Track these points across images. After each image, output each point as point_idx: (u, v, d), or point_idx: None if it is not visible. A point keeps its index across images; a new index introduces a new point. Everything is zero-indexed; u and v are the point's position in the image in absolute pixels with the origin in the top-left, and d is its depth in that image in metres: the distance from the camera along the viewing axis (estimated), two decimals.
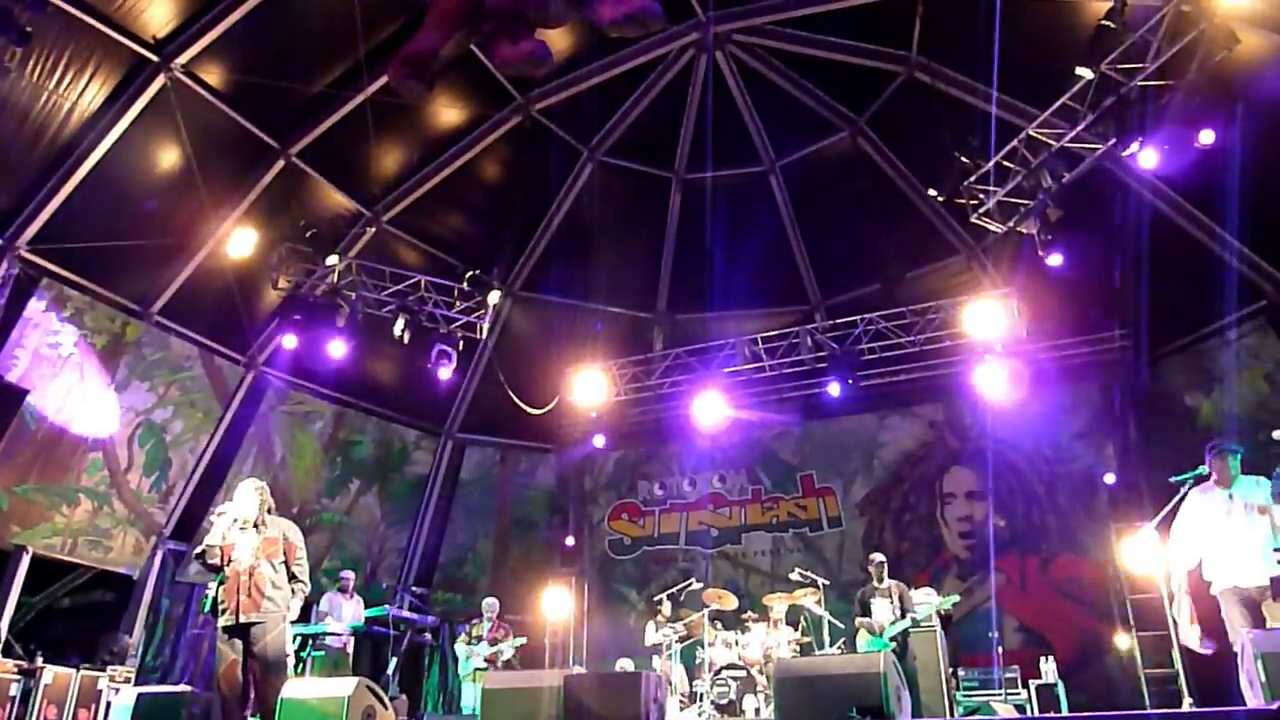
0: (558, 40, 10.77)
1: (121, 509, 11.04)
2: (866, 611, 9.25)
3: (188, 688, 7.62)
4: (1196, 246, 10.38)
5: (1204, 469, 6.10)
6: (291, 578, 6.29)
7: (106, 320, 10.62)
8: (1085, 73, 8.42)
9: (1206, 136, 7.67)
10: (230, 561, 6.11)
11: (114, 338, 10.71)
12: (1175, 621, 6.04)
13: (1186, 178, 8.61)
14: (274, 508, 6.50)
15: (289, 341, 10.96)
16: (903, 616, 9.02)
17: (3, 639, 9.37)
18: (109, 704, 9.21)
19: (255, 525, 6.25)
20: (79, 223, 9.75)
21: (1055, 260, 9.37)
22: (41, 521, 10.27)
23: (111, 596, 12.27)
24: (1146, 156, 8.21)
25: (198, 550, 6.29)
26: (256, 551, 6.13)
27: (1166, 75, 7.94)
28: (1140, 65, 8.04)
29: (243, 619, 5.96)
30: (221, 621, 6.04)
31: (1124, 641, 10.72)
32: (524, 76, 11.63)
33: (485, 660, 10.40)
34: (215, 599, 6.13)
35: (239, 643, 5.98)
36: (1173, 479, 6.18)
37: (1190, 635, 5.94)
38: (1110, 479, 10.83)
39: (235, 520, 6.19)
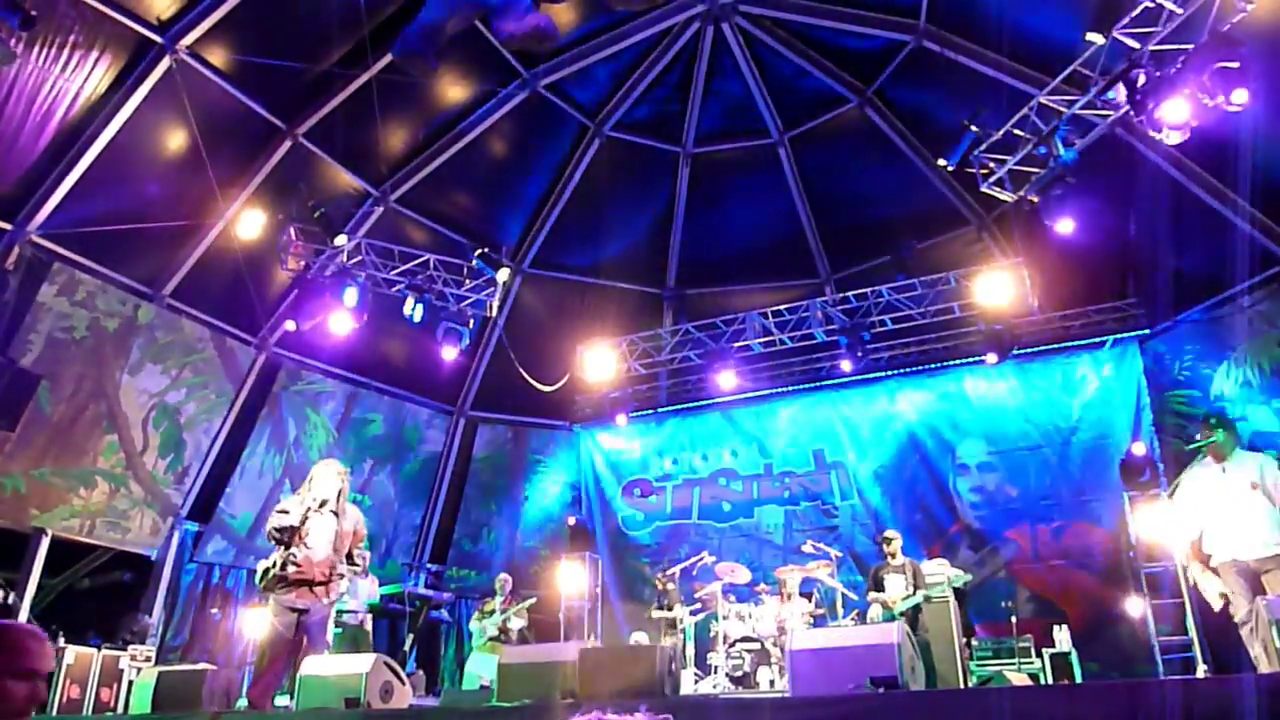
0: (562, 14, 10.68)
1: (138, 490, 11.13)
2: (880, 587, 9.29)
3: (209, 666, 7.71)
4: (1209, 212, 10.27)
5: (1218, 435, 6.08)
6: (349, 560, 6.45)
7: (118, 304, 10.66)
8: (1096, 38, 8.31)
9: (1239, 96, 7.48)
10: (303, 542, 6.12)
11: (126, 321, 10.75)
12: (1198, 588, 6.03)
13: (1199, 142, 8.50)
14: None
15: (291, 325, 10.97)
16: (914, 593, 9.06)
17: (25, 620, 9.48)
18: (130, 683, 9.33)
19: (335, 512, 6.26)
20: (88, 207, 9.77)
21: (1066, 229, 9.29)
22: (60, 504, 10.36)
23: (130, 577, 12.40)
24: (1168, 132, 8.06)
25: (274, 526, 6.24)
26: (333, 542, 6.17)
27: (1180, 39, 7.83)
28: (1153, 29, 7.92)
29: (304, 604, 6.05)
30: (284, 599, 6.09)
31: (1137, 609, 10.72)
32: (530, 51, 11.55)
33: (499, 630, 10.51)
34: (283, 575, 6.13)
35: (293, 621, 6.05)
36: (1188, 446, 6.17)
37: (1211, 595, 5.93)
38: (1140, 449, 10.74)
39: (313, 501, 6.20)
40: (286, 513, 6.24)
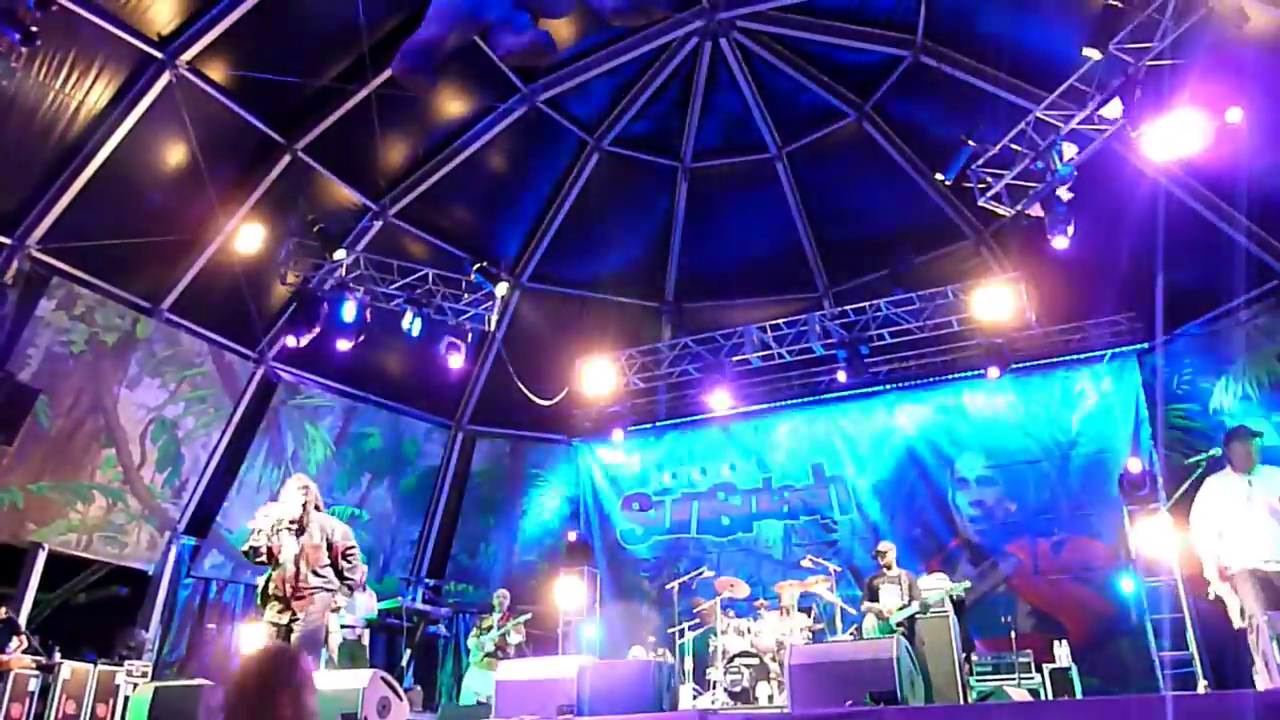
0: (561, 30, 10.72)
1: (135, 505, 11.11)
2: (874, 597, 9.29)
3: (206, 681, 7.66)
4: (1207, 226, 10.31)
5: (1217, 450, 6.05)
6: (340, 576, 6.36)
7: (117, 318, 10.66)
8: (1093, 53, 8.34)
9: (1234, 113, 7.51)
10: (278, 562, 6.18)
11: (125, 335, 10.75)
12: (1225, 603, 5.90)
13: (1195, 157, 8.53)
14: (320, 505, 6.53)
15: (290, 340, 10.96)
16: (910, 603, 9.03)
17: (24, 633, 9.44)
18: (127, 699, 9.29)
19: (300, 528, 6.26)
20: (88, 221, 9.78)
21: (1063, 243, 9.32)
22: (57, 518, 10.34)
23: (127, 592, 12.37)
24: (1156, 142, 8.10)
25: (243, 549, 6.35)
26: (298, 558, 6.18)
27: (1176, 55, 7.87)
28: (1148, 45, 7.96)
29: (284, 620, 6.05)
30: (268, 617, 6.12)
31: (1137, 624, 10.68)
32: (528, 67, 11.60)
33: (495, 646, 10.47)
34: (265, 592, 6.22)
35: (277, 636, 6.07)
36: (1188, 460, 6.14)
37: (1236, 615, 5.83)
38: (1136, 466, 10.70)
39: (279, 521, 6.21)
40: (254, 538, 6.29)
